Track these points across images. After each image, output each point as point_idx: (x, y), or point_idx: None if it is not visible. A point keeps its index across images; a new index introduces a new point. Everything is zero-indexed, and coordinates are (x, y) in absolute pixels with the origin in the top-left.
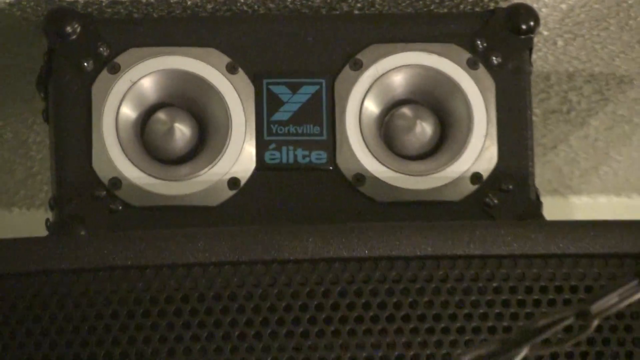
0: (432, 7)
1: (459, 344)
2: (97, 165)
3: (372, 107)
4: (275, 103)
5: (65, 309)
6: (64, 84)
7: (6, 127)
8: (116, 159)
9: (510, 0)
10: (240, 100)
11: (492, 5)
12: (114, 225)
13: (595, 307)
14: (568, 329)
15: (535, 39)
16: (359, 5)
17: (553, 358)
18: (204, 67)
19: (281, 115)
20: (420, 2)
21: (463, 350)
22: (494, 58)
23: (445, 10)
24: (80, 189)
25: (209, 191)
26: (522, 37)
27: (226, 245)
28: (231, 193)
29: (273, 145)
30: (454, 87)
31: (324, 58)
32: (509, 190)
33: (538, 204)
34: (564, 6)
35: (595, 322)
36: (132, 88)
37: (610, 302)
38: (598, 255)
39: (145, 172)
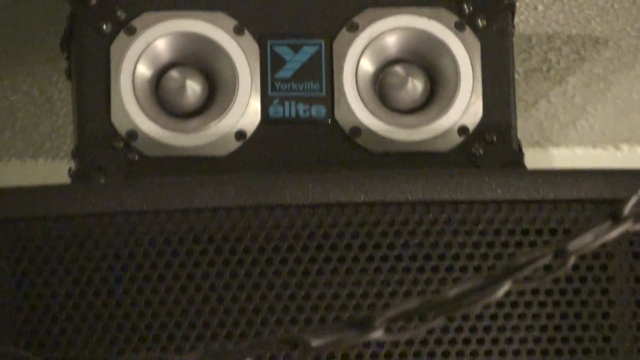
0: None
1: (447, 282)
2: (115, 118)
3: (367, 66)
4: (279, 62)
5: (86, 250)
6: (85, 45)
7: (33, 85)
8: (133, 113)
9: None
10: (247, 59)
11: None
12: (131, 173)
13: (572, 246)
14: (548, 268)
15: (518, 4)
16: None
17: (534, 294)
18: (213, 29)
19: (284, 73)
20: None
21: (451, 286)
22: (479, 21)
23: None
24: (99, 141)
25: (218, 142)
26: (506, 1)
27: (234, 191)
28: (238, 144)
29: (276, 101)
30: (443, 48)
31: (323, 21)
32: (493, 141)
33: (520, 154)
34: None
35: (572, 260)
36: (147, 48)
37: (586, 240)
38: (575, 200)
39: (159, 125)
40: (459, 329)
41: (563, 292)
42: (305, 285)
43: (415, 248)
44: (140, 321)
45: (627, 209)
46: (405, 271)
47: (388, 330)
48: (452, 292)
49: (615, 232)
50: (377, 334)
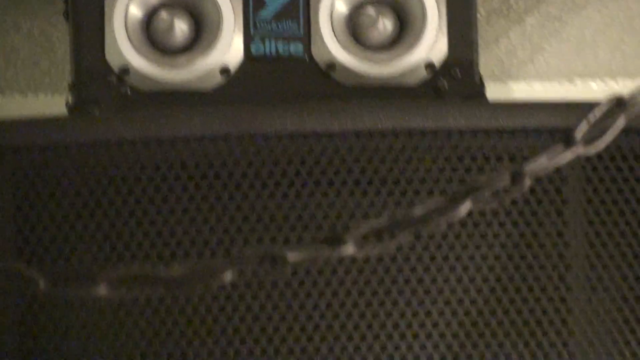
0: None
1: (415, 204)
2: (109, 55)
3: (342, 7)
4: (260, 3)
5: (81, 175)
6: None
7: (33, 25)
8: (125, 50)
9: None
10: (230, 0)
11: None
12: (123, 106)
13: (528, 167)
14: (507, 191)
15: None
16: None
17: (495, 215)
18: None
19: (265, 13)
20: None
21: (417, 206)
22: None
23: None
24: (94, 76)
25: (204, 78)
26: None
27: (218, 122)
28: (222, 79)
29: (258, 39)
30: None
31: None
32: (457, 76)
33: (482, 88)
34: None
35: (528, 181)
36: None
37: (541, 162)
38: (532, 129)
39: (149, 61)
40: (426, 248)
41: (521, 213)
42: (284, 207)
43: (385, 173)
44: (132, 240)
45: (577, 132)
46: (376, 194)
47: (359, 246)
48: (418, 210)
49: (567, 154)
50: (349, 250)
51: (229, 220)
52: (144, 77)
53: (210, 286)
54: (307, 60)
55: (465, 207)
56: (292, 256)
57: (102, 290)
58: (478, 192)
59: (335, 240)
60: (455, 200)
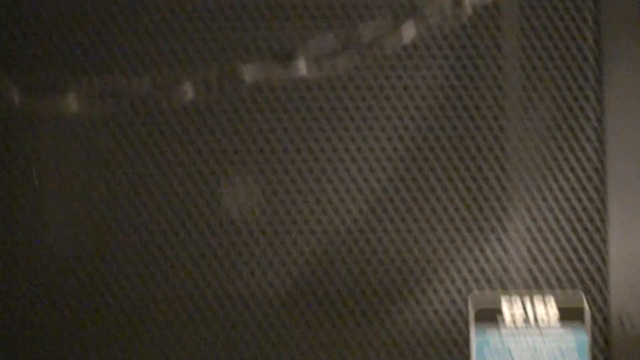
0: None
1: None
2: None
3: None
4: None
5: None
6: None
7: None
8: None
9: None
10: None
11: None
12: None
13: None
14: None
15: None
16: None
17: (436, 44)
18: None
19: None
20: None
21: (364, 25)
22: None
23: None
24: None
25: None
26: None
27: None
28: None
29: None
30: None
31: None
32: None
33: None
34: None
35: (469, 8)
36: None
37: None
38: None
39: None
40: (372, 71)
41: (458, 37)
42: (243, 37)
43: (339, 8)
44: (101, 60)
45: None
46: (328, 28)
47: (311, 64)
48: (366, 30)
49: None
50: (301, 68)
51: (189, 43)
52: None
53: (173, 101)
54: None
55: (409, 30)
56: (247, 72)
57: (72, 104)
58: (421, 12)
59: (288, 56)
60: (398, 21)
